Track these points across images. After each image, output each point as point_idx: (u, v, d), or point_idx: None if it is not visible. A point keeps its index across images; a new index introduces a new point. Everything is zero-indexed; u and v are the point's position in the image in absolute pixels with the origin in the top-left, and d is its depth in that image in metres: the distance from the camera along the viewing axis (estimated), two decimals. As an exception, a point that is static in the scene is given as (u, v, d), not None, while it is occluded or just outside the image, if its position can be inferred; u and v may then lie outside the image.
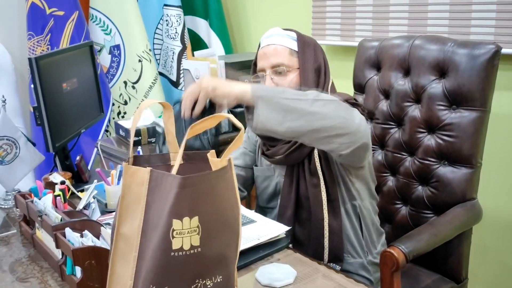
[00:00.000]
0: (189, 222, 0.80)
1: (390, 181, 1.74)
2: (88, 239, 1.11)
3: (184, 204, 0.80)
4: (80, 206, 1.30)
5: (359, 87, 1.87)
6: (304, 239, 1.43)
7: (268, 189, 1.52)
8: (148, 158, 0.99)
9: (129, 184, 0.88)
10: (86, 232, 1.13)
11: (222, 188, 0.85)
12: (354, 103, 1.40)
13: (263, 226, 1.34)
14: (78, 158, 1.76)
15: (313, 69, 1.40)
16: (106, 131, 2.69)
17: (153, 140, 2.25)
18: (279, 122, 1.11)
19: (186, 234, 0.80)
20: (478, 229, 1.64)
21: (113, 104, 2.72)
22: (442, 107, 1.59)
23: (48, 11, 2.47)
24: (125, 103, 2.75)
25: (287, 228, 1.31)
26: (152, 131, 2.24)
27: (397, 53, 1.73)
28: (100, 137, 2.62)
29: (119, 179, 1.62)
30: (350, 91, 1.90)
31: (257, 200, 1.57)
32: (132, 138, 0.94)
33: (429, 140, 1.62)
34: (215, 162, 0.91)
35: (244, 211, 1.42)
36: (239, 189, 1.53)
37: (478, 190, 1.58)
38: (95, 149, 2.46)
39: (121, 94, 2.75)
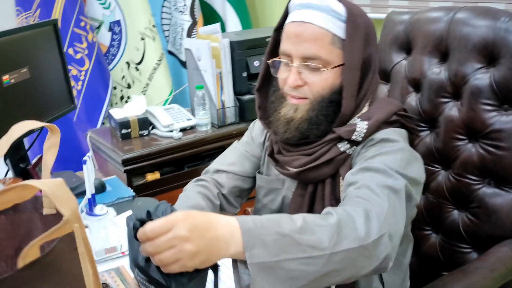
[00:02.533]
0: None
1: (417, 200, 1.34)
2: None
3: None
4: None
5: (384, 74, 1.46)
6: None
7: (272, 205, 1.15)
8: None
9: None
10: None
11: (64, 268, 0.51)
12: (403, 115, 1.03)
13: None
14: (34, 160, 1.47)
15: (360, 65, 1.00)
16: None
17: (145, 132, 1.95)
18: None
19: None
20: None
21: (115, 88, 2.43)
22: (490, 107, 1.17)
23: (36, -17, 2.19)
24: (129, 86, 2.45)
25: None
26: (144, 122, 1.93)
27: (433, 30, 1.30)
28: (98, 126, 2.34)
29: (90, 206, 1.31)
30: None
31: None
32: None
33: (470, 151, 1.20)
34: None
35: None
36: (232, 204, 1.18)
37: (537, 221, 1.16)
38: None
39: (123, 77, 2.44)
